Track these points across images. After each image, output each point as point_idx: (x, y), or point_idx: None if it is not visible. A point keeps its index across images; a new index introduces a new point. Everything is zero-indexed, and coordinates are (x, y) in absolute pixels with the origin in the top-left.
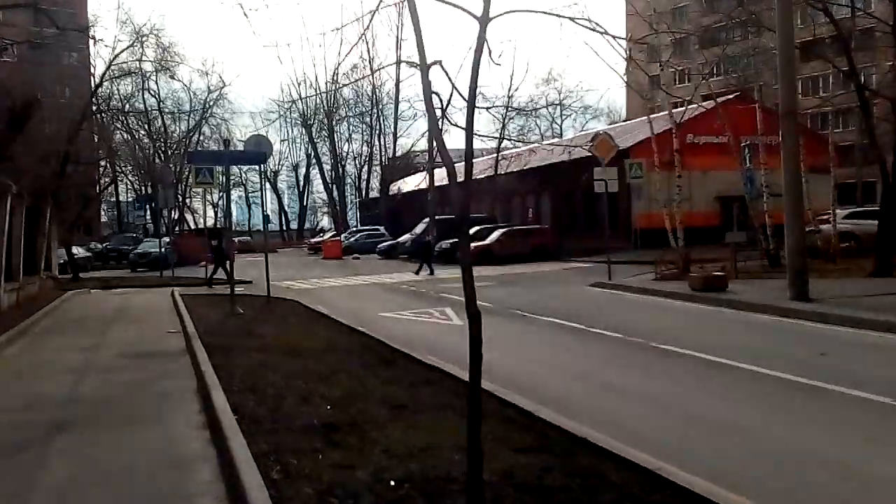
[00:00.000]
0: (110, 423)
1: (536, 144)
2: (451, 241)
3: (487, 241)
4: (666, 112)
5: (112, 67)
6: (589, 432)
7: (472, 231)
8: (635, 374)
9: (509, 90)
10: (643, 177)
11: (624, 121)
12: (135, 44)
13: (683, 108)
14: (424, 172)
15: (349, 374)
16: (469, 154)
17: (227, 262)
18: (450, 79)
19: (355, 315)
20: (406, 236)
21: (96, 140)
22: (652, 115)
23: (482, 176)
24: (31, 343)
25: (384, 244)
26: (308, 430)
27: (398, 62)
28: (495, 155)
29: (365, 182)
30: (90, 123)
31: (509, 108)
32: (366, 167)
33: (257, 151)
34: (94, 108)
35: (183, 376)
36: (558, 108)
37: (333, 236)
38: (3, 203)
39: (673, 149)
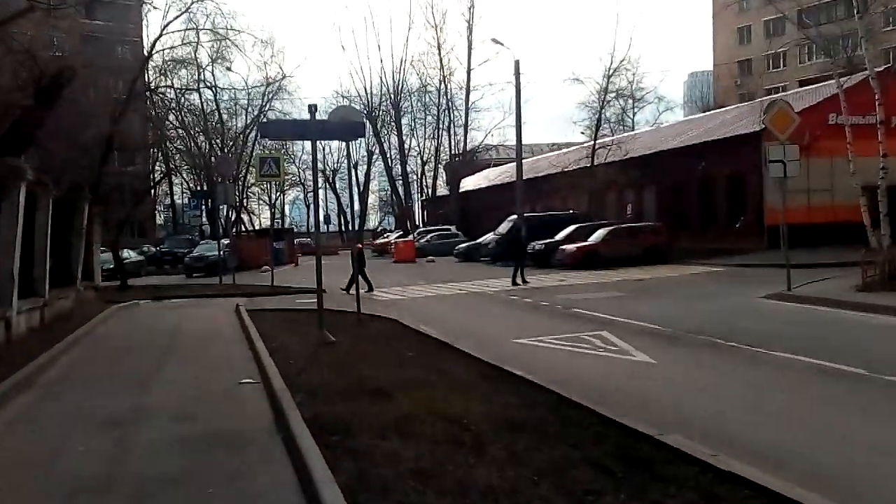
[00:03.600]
0: None
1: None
2: (545, 241)
3: (592, 241)
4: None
5: (166, 58)
6: None
7: (570, 230)
8: None
9: (608, 69)
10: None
11: (712, 109)
12: (190, 9)
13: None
14: (491, 168)
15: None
16: None
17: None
18: None
19: (483, 342)
20: (489, 236)
21: (150, 124)
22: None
23: (575, 167)
24: (33, 407)
25: (462, 245)
26: None
27: (469, 47)
28: (592, 143)
29: (431, 179)
30: (139, 105)
31: (607, 93)
32: (431, 163)
33: (352, 123)
34: (145, 87)
35: None
36: (630, 99)
37: (400, 236)
38: (14, 194)
39: (815, 130)
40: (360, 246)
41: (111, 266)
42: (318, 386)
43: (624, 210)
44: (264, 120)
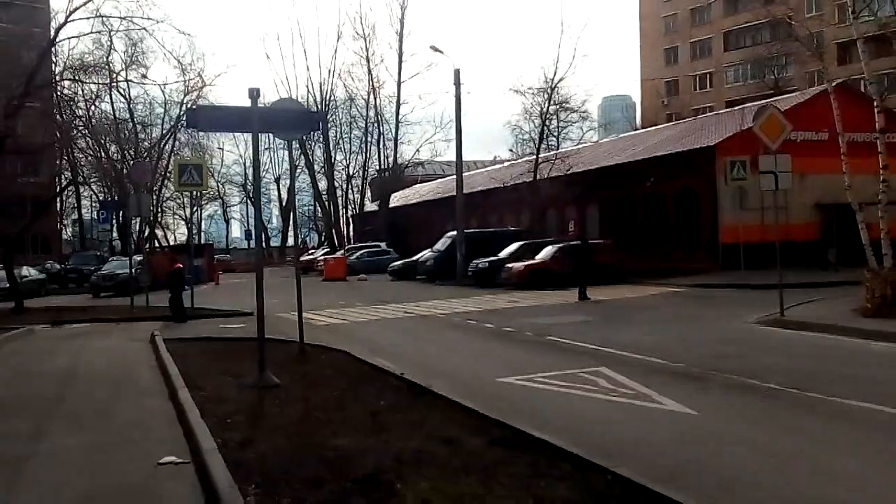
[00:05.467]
0: None
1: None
2: (488, 259)
3: (540, 259)
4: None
5: (75, 60)
6: None
7: (515, 247)
8: None
9: (552, 82)
10: (746, 178)
11: (638, 128)
12: None
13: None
14: (422, 184)
15: None
16: None
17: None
18: None
19: (461, 383)
20: (426, 253)
21: (56, 126)
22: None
23: (515, 182)
24: None
25: (397, 263)
26: None
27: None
28: (535, 157)
29: (358, 194)
30: (43, 103)
31: (552, 103)
32: (357, 177)
33: (303, 112)
34: (49, 81)
35: None
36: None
37: (327, 253)
38: None
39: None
40: (179, 265)
41: (6, 285)
42: (277, 468)
43: (566, 227)
44: (181, 131)
